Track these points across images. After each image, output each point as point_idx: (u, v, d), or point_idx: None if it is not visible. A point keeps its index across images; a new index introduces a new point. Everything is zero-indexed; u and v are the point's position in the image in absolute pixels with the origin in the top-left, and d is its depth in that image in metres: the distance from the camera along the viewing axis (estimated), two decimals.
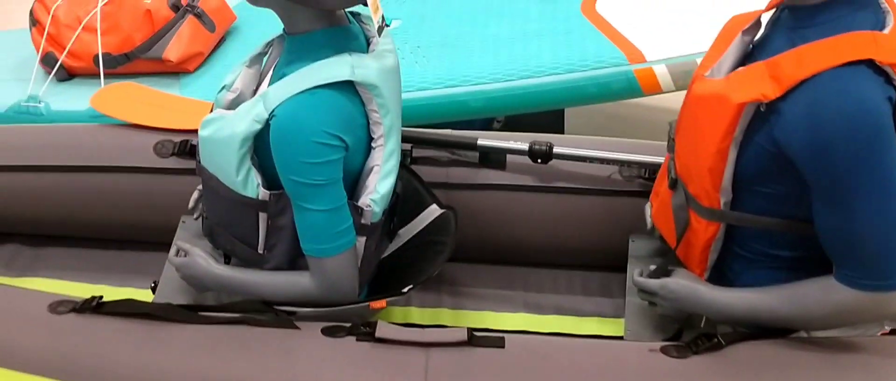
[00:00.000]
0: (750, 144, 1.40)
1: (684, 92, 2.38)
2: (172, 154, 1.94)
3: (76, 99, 2.62)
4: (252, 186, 1.49)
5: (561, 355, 1.43)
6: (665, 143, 1.99)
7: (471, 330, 1.45)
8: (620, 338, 1.80)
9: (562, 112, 2.94)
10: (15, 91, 2.66)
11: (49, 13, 2.68)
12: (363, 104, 1.48)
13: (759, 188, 1.43)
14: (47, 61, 2.69)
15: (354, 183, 1.53)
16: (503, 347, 1.43)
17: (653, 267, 1.64)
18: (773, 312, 1.44)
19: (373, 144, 1.50)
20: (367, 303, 1.54)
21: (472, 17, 2.72)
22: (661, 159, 1.87)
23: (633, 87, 2.33)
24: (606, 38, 2.41)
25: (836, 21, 1.33)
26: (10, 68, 2.83)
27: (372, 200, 1.50)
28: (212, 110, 1.66)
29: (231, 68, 2.66)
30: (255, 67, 1.60)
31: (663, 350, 1.44)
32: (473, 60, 2.42)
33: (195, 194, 1.79)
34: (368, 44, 1.53)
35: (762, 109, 1.36)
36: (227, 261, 1.69)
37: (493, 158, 1.96)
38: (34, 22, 2.72)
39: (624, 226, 1.94)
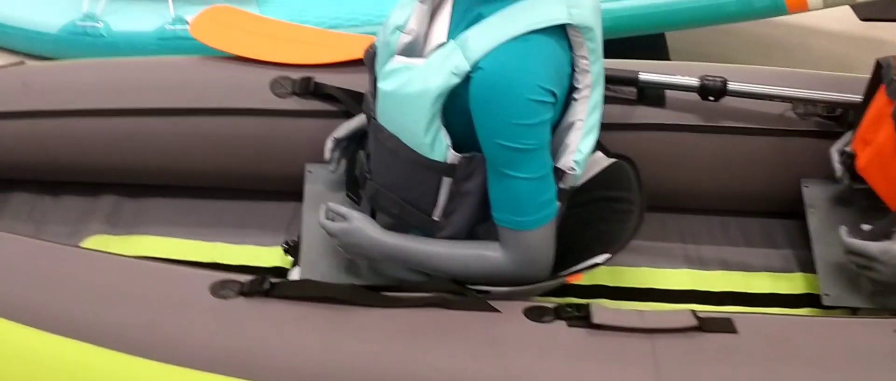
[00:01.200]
0: None
1: (822, 12, 2.18)
2: (292, 94, 1.71)
3: (140, 17, 2.36)
4: (440, 148, 1.28)
5: (799, 338, 1.27)
6: (851, 76, 1.80)
7: (695, 313, 1.28)
8: (809, 298, 1.66)
9: (662, 35, 2.70)
10: (67, 8, 2.39)
11: None
12: (571, 49, 1.26)
13: None
14: None
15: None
16: (736, 332, 1.26)
17: (866, 227, 1.46)
18: None
19: (576, 95, 1.29)
20: (562, 279, 1.36)
21: None
22: (850, 97, 1.67)
23: (779, 5, 2.11)
24: None
25: None
26: None
27: (575, 161, 1.30)
28: (371, 49, 1.43)
29: None
30: (427, 2, 1.36)
31: None
32: None
33: (329, 143, 1.58)
34: None
35: None
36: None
37: (651, 95, 1.75)
38: None
39: (794, 169, 1.76)
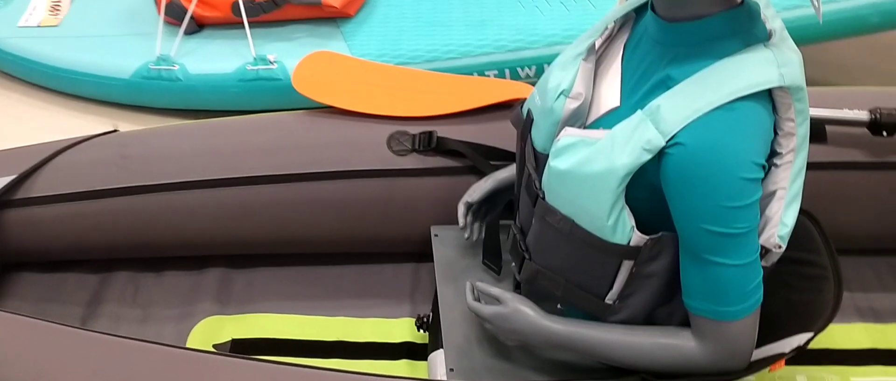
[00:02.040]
0: None
1: None
2: (412, 150, 1.55)
3: (218, 58, 2.20)
4: (623, 230, 1.11)
5: None
6: None
7: None
8: None
9: None
10: (138, 50, 2.24)
11: None
12: (776, 111, 1.08)
13: None
14: (172, 11, 2.25)
15: None
16: None
17: None
18: None
19: (777, 161, 1.11)
20: (765, 368, 1.18)
21: None
22: None
23: None
24: None
25: None
26: (124, 21, 2.38)
27: (779, 236, 1.12)
28: (520, 112, 1.27)
29: (395, 8, 2.28)
30: (591, 61, 1.19)
31: None
32: None
33: (462, 208, 1.42)
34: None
35: None
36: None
37: (812, 130, 1.56)
38: None
39: None
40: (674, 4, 1.06)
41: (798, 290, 1.29)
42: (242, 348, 1.51)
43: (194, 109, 2.23)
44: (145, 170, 1.51)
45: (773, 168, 1.12)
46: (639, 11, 1.20)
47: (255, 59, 2.13)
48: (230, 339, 1.51)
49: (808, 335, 1.20)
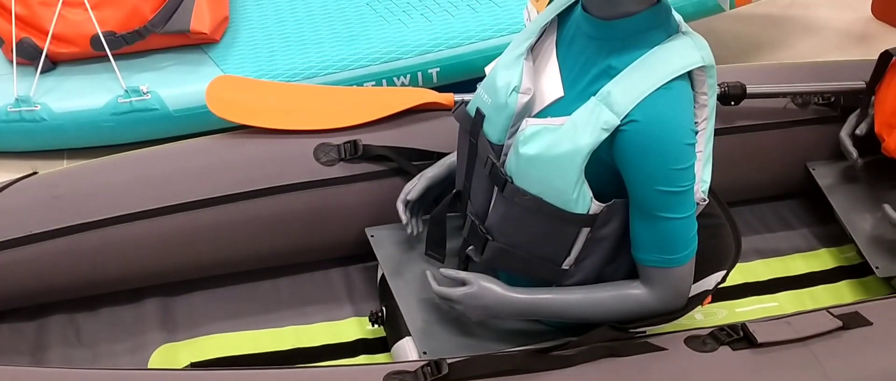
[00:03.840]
0: None
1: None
2: (339, 160, 1.64)
3: (83, 94, 2.15)
4: (584, 201, 1.28)
5: None
6: (821, 62, 1.97)
7: (830, 312, 1.37)
8: (842, 271, 1.81)
9: None
10: None
11: None
12: (693, 88, 1.30)
13: None
14: (24, 51, 2.16)
15: None
16: (870, 322, 1.37)
17: None
18: None
19: (695, 128, 1.33)
20: (698, 304, 1.41)
21: None
22: (851, 84, 1.83)
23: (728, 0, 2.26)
24: None
25: None
26: None
27: (703, 190, 1.34)
28: (460, 107, 1.41)
29: (260, 30, 2.33)
30: (531, 58, 1.35)
31: None
32: None
33: (401, 206, 1.54)
34: None
35: None
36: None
37: None
38: None
39: (799, 155, 1.91)
40: (607, 6, 1.25)
41: (703, 239, 1.53)
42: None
43: (64, 148, 2.16)
44: (80, 208, 1.49)
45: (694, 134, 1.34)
46: (561, 15, 1.38)
47: (126, 91, 2.10)
48: (188, 364, 1.53)
49: (723, 272, 1.44)
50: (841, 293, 1.78)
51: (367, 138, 1.66)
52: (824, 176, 1.89)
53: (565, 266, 1.38)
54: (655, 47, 1.25)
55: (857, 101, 1.84)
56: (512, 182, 1.32)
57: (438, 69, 2.17)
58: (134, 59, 2.21)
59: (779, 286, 1.80)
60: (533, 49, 1.37)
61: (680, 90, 1.24)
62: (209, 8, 2.20)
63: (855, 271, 1.83)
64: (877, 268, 1.70)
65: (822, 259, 1.86)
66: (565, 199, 1.28)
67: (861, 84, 1.82)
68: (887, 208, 1.65)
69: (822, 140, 1.90)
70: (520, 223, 1.36)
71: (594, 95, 1.26)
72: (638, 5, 1.25)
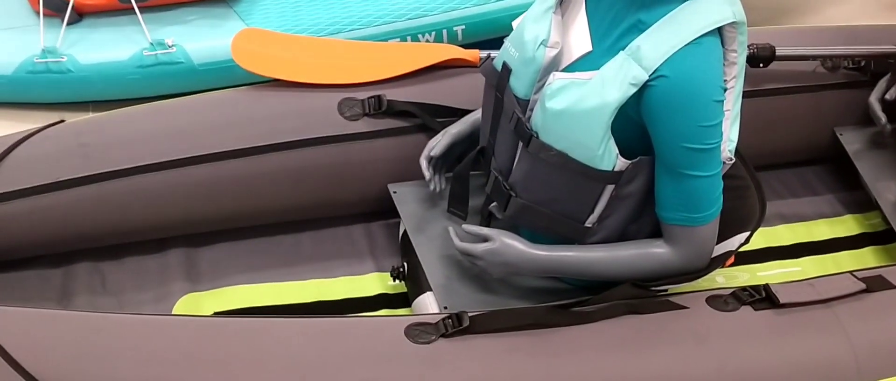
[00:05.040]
0: None
1: None
2: (364, 115, 1.64)
3: (110, 46, 2.15)
4: (610, 157, 1.28)
5: None
6: (856, 26, 1.94)
7: (855, 275, 1.37)
8: (866, 237, 1.80)
9: None
10: (18, 44, 2.13)
11: None
12: (723, 44, 1.29)
13: None
14: (51, 3, 2.16)
15: None
16: (894, 286, 1.36)
17: None
18: None
19: (724, 85, 1.32)
20: (721, 265, 1.40)
21: None
22: (884, 48, 1.80)
23: None
24: None
25: None
26: None
27: (729, 150, 1.33)
28: (487, 61, 1.40)
29: None
30: (559, 12, 1.34)
31: None
32: None
33: (424, 162, 1.54)
34: None
35: None
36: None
37: None
38: None
39: (827, 120, 1.89)
40: None
41: (728, 199, 1.52)
42: None
43: (89, 100, 2.17)
44: (108, 156, 1.50)
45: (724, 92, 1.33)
46: None
47: (152, 44, 2.11)
48: (212, 313, 1.55)
49: (747, 233, 1.44)
50: (865, 259, 1.76)
51: (391, 94, 1.66)
52: (852, 142, 1.86)
53: (588, 224, 1.38)
54: (686, 2, 1.24)
55: (887, 66, 1.82)
56: (537, 137, 1.31)
57: (464, 27, 2.16)
58: (160, 12, 2.22)
59: (802, 251, 1.79)
60: (562, 3, 1.36)
61: (710, 46, 1.23)
62: None
63: (880, 237, 1.81)
64: None
65: (847, 225, 1.85)
66: (591, 155, 1.28)
67: (892, 48, 1.79)
68: None
69: (850, 105, 1.87)
70: (544, 180, 1.36)
71: (623, 49, 1.25)
72: None
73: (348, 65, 1.70)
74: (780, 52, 1.78)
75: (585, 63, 1.30)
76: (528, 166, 1.37)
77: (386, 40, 2.14)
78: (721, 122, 1.25)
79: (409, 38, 2.15)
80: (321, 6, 2.19)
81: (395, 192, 1.65)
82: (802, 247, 1.79)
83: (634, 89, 1.22)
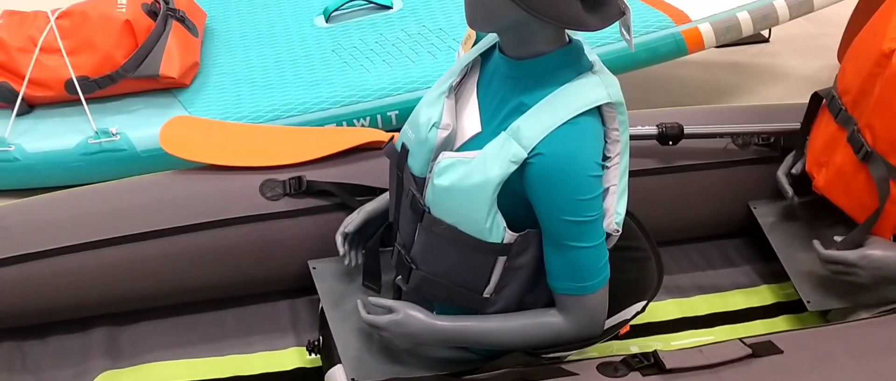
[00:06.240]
0: None
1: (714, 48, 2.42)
2: (284, 195, 1.71)
3: (56, 135, 2.24)
4: (498, 230, 1.34)
5: (835, 345, 1.44)
6: (779, 105, 2.03)
7: (743, 341, 1.41)
8: (780, 306, 1.85)
9: None
10: None
11: None
12: (604, 123, 1.37)
13: None
14: (1, 95, 2.26)
15: None
16: (781, 351, 1.41)
17: (838, 239, 1.66)
18: None
19: (608, 164, 1.40)
20: (616, 332, 1.46)
21: None
22: (789, 125, 1.89)
23: (681, 47, 2.34)
24: (644, 3, 2.38)
25: None
26: None
27: (616, 222, 1.40)
28: (394, 146, 1.48)
29: (229, 75, 2.42)
30: (452, 97, 1.42)
31: None
32: None
33: (339, 238, 1.60)
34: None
35: None
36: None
37: None
38: None
39: (741, 194, 1.96)
40: (519, 46, 1.32)
41: (628, 271, 1.58)
42: None
43: (36, 187, 2.24)
44: (27, 239, 1.57)
45: (606, 169, 1.40)
46: (484, 55, 1.46)
47: (96, 132, 2.19)
48: None
49: (643, 302, 1.49)
50: (777, 327, 1.81)
51: (312, 175, 1.73)
52: (765, 215, 1.93)
53: (486, 294, 1.44)
54: (564, 85, 1.32)
55: (794, 142, 1.90)
56: (430, 212, 1.38)
57: (397, 112, 2.24)
58: (107, 102, 2.31)
59: (716, 321, 1.83)
60: (458, 88, 1.45)
61: (586, 125, 1.31)
62: (179, 54, 2.30)
63: (793, 306, 1.86)
64: (808, 302, 1.74)
65: (761, 295, 1.90)
66: (479, 228, 1.34)
67: (796, 125, 1.88)
68: (816, 243, 1.69)
69: (763, 180, 1.95)
70: (440, 252, 1.42)
71: (505, 130, 1.33)
72: (547, 46, 1.32)
73: (271, 148, 1.78)
74: (688, 130, 1.87)
75: (475, 143, 1.38)
76: (424, 240, 1.43)
77: (322, 125, 2.22)
78: (598, 195, 1.32)
79: (344, 123, 2.23)
80: (261, 95, 2.28)
81: (314, 268, 1.71)
82: (717, 317, 1.84)
83: (515, 167, 1.30)
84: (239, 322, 1.75)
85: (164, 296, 1.70)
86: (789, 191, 1.83)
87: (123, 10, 2.28)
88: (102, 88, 2.27)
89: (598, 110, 1.34)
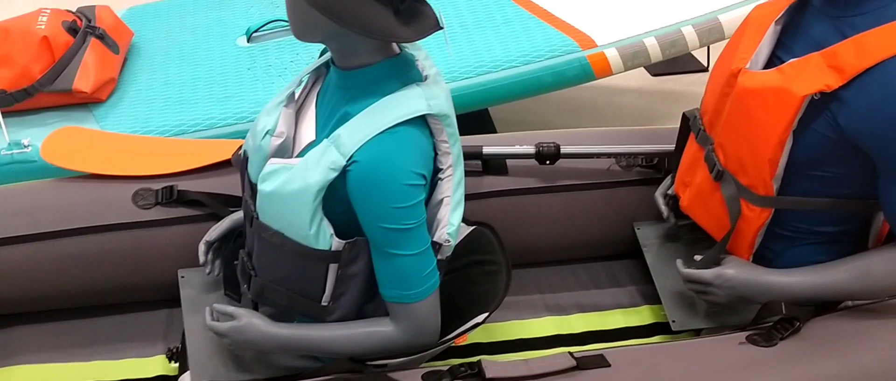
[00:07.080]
0: (805, 132, 1.46)
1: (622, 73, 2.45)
2: (156, 204, 1.74)
3: None
4: (324, 237, 1.37)
5: (663, 362, 1.44)
6: (662, 128, 2.05)
7: (572, 354, 1.42)
8: (658, 327, 1.85)
9: (486, 110, 2.91)
10: None
11: None
12: (433, 135, 1.39)
13: (813, 172, 1.49)
14: None
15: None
16: (609, 365, 1.42)
17: (697, 258, 1.67)
18: (836, 287, 1.52)
19: (440, 176, 1.42)
20: (450, 342, 1.47)
21: None
22: (664, 146, 1.90)
23: (587, 72, 2.37)
24: (551, 27, 2.41)
25: (885, 8, 1.40)
26: None
27: (448, 233, 1.42)
28: (240, 154, 1.51)
29: (145, 91, 2.48)
30: (292, 106, 1.46)
31: (750, 340, 1.49)
32: None
33: (202, 247, 1.63)
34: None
35: (817, 98, 1.42)
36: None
37: (494, 165, 1.92)
38: None
39: (626, 215, 1.97)
40: (345, 57, 1.36)
41: (480, 284, 1.60)
42: None
43: None
44: None
45: (439, 181, 1.43)
46: (328, 66, 1.49)
47: (9, 144, 2.25)
48: None
49: (485, 315, 1.51)
50: None
51: (185, 185, 1.77)
52: (647, 236, 1.94)
53: (324, 303, 1.46)
54: (388, 96, 1.35)
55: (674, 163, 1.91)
56: (258, 218, 1.41)
57: None
58: (25, 116, 2.37)
59: (591, 339, 1.84)
60: (304, 98, 1.48)
61: (406, 135, 1.33)
62: (95, 69, 2.36)
63: (668, 327, 1.86)
64: (673, 322, 1.75)
65: (641, 315, 1.90)
66: (304, 234, 1.37)
67: (670, 147, 1.90)
68: (679, 262, 1.70)
69: (646, 201, 1.96)
70: (272, 259, 1.45)
71: None
72: (371, 57, 1.36)
73: (148, 159, 1.82)
74: (565, 150, 1.90)
75: (308, 152, 1.41)
76: (259, 247, 1.46)
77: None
78: (417, 204, 1.34)
79: None
80: (171, 111, 2.33)
81: (183, 276, 1.74)
82: (592, 335, 1.85)
83: (334, 174, 1.32)
84: (115, 329, 1.78)
85: (38, 300, 1.73)
86: (665, 211, 1.84)
87: (43, 26, 2.34)
88: (19, 102, 2.33)
89: (424, 122, 1.37)
